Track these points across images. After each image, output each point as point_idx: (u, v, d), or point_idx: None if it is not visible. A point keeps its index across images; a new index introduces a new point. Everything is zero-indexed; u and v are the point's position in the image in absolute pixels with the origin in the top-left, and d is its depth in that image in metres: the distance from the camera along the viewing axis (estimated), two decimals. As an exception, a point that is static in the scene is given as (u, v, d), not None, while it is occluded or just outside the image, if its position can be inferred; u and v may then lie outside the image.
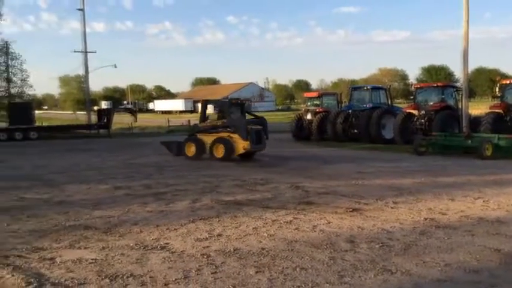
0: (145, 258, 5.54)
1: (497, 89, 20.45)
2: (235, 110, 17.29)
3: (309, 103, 29.52)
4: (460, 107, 21.32)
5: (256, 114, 18.32)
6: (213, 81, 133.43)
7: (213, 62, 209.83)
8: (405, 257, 5.49)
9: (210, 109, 20.52)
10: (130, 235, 6.61)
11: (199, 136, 16.97)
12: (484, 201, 8.81)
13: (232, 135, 16.08)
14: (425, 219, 7.38)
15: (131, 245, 6.09)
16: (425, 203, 8.61)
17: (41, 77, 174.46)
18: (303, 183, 11.13)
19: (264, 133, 16.61)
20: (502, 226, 6.92)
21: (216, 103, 17.95)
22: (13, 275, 5.02)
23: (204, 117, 17.66)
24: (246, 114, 18.07)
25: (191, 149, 16.79)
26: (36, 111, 47.33)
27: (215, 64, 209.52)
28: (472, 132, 18.08)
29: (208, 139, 16.56)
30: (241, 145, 15.82)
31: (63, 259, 5.53)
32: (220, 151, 16.07)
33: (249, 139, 15.70)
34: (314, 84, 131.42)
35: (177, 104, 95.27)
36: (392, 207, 8.29)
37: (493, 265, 5.23)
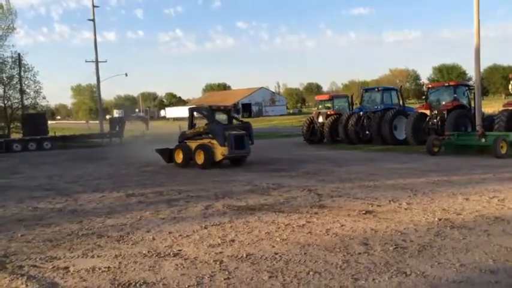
0: (158, 265, 5.55)
1: (510, 86, 20.18)
2: (220, 116, 17.38)
3: (320, 106, 29.46)
4: (473, 105, 21.10)
5: (242, 119, 18.30)
6: (223, 87, 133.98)
7: (223, 67, 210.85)
8: (420, 259, 5.42)
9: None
10: (143, 242, 6.62)
11: (188, 143, 17.03)
12: (499, 200, 8.68)
13: (212, 141, 16.14)
14: (440, 219, 7.28)
15: (144, 252, 6.10)
16: (440, 204, 8.51)
17: (54, 88, 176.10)
18: (316, 186, 11.08)
19: (249, 138, 16.51)
20: (518, 225, 6.81)
21: (199, 110, 18.02)
22: (27, 285, 5.05)
23: (191, 123, 17.65)
24: (233, 120, 18.07)
25: (179, 156, 16.83)
26: (50, 122, 47.85)
27: (226, 70, 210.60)
28: (486, 131, 17.83)
29: (193, 146, 16.60)
30: (220, 151, 15.82)
31: (77, 268, 5.56)
32: (200, 158, 16.06)
33: (227, 145, 15.65)
34: (325, 87, 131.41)
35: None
36: (406, 209, 8.20)
37: (510, 265, 5.13)
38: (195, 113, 18.04)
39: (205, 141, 16.41)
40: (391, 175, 12.64)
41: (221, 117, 17.95)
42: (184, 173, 14.89)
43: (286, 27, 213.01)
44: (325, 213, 8.07)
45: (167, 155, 17.58)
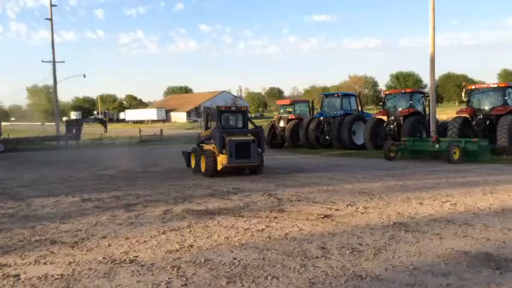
0: (113, 272, 5.42)
1: (463, 94, 20.97)
2: (232, 118, 15.45)
3: (281, 110, 29.72)
4: (427, 112, 21.79)
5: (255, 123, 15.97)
6: (185, 90, 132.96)
7: (186, 70, 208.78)
8: (375, 262, 5.53)
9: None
10: (99, 249, 6.46)
11: (202, 146, 15.51)
12: (451, 204, 8.98)
13: (215, 147, 14.33)
14: (395, 223, 7.46)
15: (99, 259, 5.95)
16: (395, 208, 8.72)
17: (9, 88, 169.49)
18: (276, 191, 11.14)
19: (258, 145, 14.27)
20: (469, 228, 7.06)
21: (209, 110, 16.06)
22: (-26, 294, 4.84)
23: (206, 125, 15.86)
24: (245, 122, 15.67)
25: (193, 161, 15.55)
26: (3, 123, 46.08)
27: (188, 73, 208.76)
28: (440, 137, 18.45)
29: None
30: (219, 159, 13.96)
31: (28, 275, 5.36)
32: (203, 165, 14.37)
33: (226, 153, 13.70)
34: (287, 92, 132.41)
35: (150, 114, 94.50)
36: (362, 213, 8.36)
37: (461, 268, 5.30)
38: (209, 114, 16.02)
39: (210, 146, 14.70)
40: (349, 179, 12.86)
41: (234, 119, 15.62)
42: (144, 177, 14.65)
43: (250, 31, 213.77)
44: (285, 218, 8.12)
45: (187, 158, 16.23)
